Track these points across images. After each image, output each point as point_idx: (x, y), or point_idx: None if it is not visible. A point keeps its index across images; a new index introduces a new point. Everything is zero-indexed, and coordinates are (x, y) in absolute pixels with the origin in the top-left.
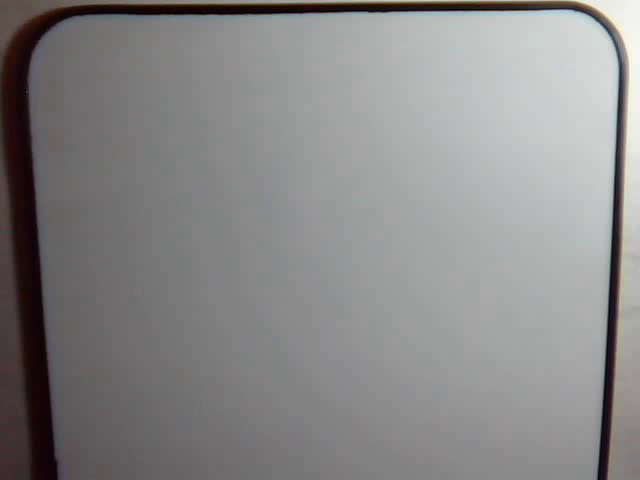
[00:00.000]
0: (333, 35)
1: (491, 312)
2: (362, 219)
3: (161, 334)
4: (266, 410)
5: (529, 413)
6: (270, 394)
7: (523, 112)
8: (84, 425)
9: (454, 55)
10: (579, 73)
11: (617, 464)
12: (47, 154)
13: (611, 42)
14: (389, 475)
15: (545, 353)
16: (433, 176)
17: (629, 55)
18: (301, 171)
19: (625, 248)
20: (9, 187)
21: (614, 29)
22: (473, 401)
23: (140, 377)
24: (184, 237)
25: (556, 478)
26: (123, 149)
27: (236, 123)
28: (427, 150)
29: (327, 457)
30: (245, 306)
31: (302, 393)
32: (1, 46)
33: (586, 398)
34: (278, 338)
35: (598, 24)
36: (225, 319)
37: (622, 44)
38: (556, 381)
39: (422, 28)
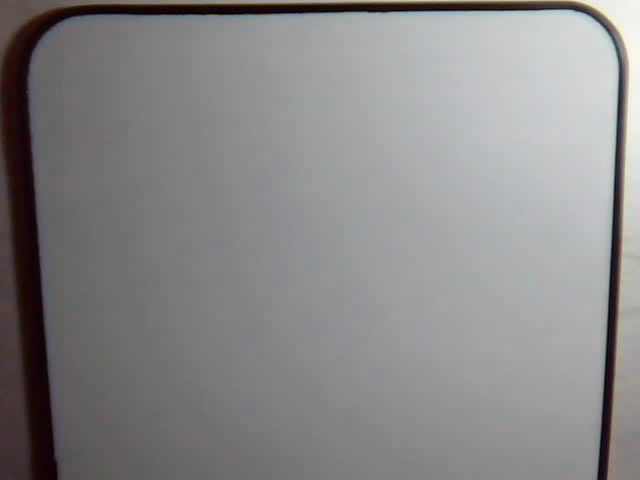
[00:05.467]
0: (333, 35)
1: (491, 312)
2: (362, 219)
3: (161, 334)
4: (266, 410)
5: (529, 413)
6: (270, 394)
7: (523, 112)
8: (84, 425)
9: (454, 55)
10: (579, 73)
11: (617, 464)
12: (47, 154)
13: (611, 42)
14: (389, 475)
15: (545, 353)
16: (433, 176)
17: (629, 55)
18: (301, 171)
19: (625, 248)
20: (9, 187)
21: (614, 29)
22: (472, 401)
23: (140, 377)
24: (184, 237)
25: (556, 478)
26: (123, 149)
27: (236, 123)
28: (427, 150)
29: (327, 457)
30: (245, 306)
31: (303, 393)
32: (1, 46)
33: (586, 398)
34: (278, 338)
35: (598, 24)
36: (225, 319)
37: (622, 44)
38: (556, 381)
39: (422, 28)
